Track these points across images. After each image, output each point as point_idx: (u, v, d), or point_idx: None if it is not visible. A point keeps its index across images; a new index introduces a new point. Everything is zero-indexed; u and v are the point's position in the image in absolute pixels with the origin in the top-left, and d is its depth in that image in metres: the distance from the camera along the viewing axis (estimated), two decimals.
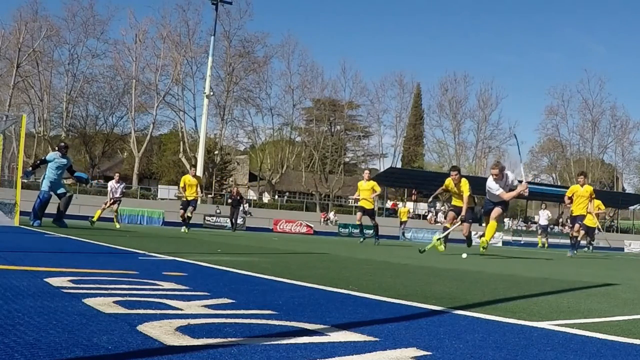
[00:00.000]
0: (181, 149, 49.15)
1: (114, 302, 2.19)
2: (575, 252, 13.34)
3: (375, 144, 62.86)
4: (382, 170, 52.93)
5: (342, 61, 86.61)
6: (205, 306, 2.23)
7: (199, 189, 15.96)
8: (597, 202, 15.68)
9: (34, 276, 2.95)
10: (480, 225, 10.32)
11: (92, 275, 3.19)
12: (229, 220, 26.58)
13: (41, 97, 47.57)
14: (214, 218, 33.73)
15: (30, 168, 13.07)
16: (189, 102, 51.04)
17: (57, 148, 13.15)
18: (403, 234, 30.45)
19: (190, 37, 50.19)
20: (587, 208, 13.02)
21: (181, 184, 15.92)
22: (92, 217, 16.61)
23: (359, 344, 1.66)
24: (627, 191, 62.00)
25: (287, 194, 58.78)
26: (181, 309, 2.12)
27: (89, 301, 2.18)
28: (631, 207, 56.44)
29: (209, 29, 48.54)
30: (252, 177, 61.39)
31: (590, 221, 14.80)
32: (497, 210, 9.56)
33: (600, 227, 17.99)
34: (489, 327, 2.12)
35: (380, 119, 59.02)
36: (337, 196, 56.42)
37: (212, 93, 45.87)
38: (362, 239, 14.38)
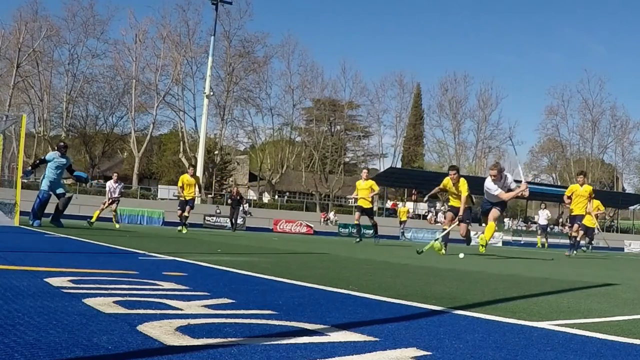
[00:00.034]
0: (181, 149, 49.16)
1: (114, 302, 2.19)
2: (574, 252, 13.34)
3: (375, 144, 62.98)
4: (382, 170, 52.94)
5: (342, 61, 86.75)
6: (205, 306, 2.23)
7: (197, 189, 15.98)
8: (597, 202, 15.68)
9: (34, 276, 2.95)
10: (480, 225, 10.30)
11: (92, 275, 3.19)
12: (229, 220, 26.58)
13: (41, 97, 47.58)
14: (214, 218, 33.73)
15: (30, 168, 13.07)
16: (189, 102, 51.14)
17: (56, 148, 13.15)
18: (403, 233, 30.45)
19: (190, 37, 50.27)
20: (586, 208, 13.01)
21: (179, 184, 15.94)
22: (91, 217, 16.62)
23: (359, 344, 1.66)
24: (627, 191, 62.00)
25: (287, 194, 58.78)
26: (181, 309, 2.12)
27: (89, 301, 2.18)
28: (631, 207, 56.46)
29: (209, 29, 48.64)
30: (252, 177, 61.39)
31: (589, 221, 14.79)
32: (494, 212, 9.54)
33: (599, 227, 17.98)
34: (489, 327, 2.12)
35: (380, 119, 59.15)
36: (337, 196, 56.42)
37: (212, 93, 45.88)
38: (358, 239, 14.33)
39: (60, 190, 12.36)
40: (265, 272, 3.99)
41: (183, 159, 47.88)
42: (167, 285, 2.90)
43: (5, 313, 1.85)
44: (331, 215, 42.34)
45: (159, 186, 47.41)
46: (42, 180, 12.50)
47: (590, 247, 17.87)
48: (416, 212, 47.54)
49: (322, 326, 1.90)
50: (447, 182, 10.15)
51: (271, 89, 55.21)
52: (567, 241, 14.49)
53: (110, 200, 17.28)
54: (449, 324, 2.12)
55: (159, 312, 2.03)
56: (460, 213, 9.90)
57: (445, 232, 10.11)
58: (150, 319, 1.87)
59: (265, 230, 31.38)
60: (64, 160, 12.49)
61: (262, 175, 56.83)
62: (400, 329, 1.94)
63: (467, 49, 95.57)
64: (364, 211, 13.92)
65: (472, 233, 11.27)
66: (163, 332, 1.66)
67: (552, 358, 1.62)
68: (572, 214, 13.14)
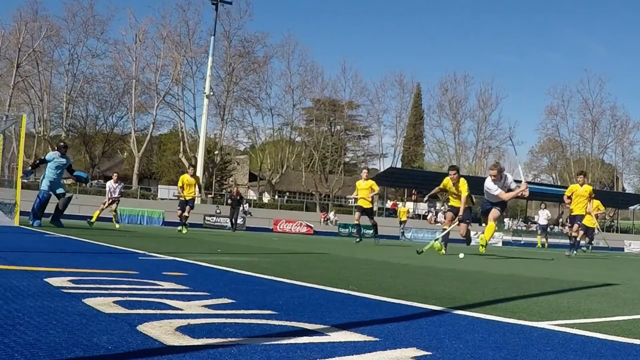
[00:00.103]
0: (181, 149, 49.16)
1: (114, 302, 2.19)
2: (574, 252, 13.34)
3: (375, 144, 62.97)
4: (382, 170, 52.93)
5: (342, 61, 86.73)
6: (205, 306, 2.23)
7: (197, 189, 15.98)
8: (597, 202, 15.66)
9: (34, 276, 2.95)
10: (480, 225, 10.29)
11: (92, 275, 3.19)
12: (228, 220, 26.58)
13: (41, 97, 47.58)
14: (214, 218, 33.73)
15: (30, 167, 13.07)
16: (189, 102, 51.14)
17: (56, 148, 13.15)
18: (402, 233, 30.45)
19: (190, 37, 50.27)
20: (586, 208, 13.00)
21: (179, 184, 15.96)
22: (91, 217, 16.62)
23: (359, 344, 1.66)
24: (627, 191, 61.99)
25: (287, 194, 58.78)
26: (181, 309, 2.12)
27: (89, 301, 2.18)
28: (631, 207, 56.45)
29: (209, 29, 48.64)
30: (252, 177, 61.39)
31: (589, 221, 14.78)
32: (494, 212, 9.53)
33: (599, 227, 17.97)
34: (489, 327, 2.12)
35: (380, 119, 59.14)
36: (337, 196, 56.43)
37: (212, 93, 45.87)
38: (358, 239, 14.31)
39: (60, 191, 12.36)
40: (265, 272, 4.00)
41: (183, 159, 47.88)
42: (167, 285, 2.90)
43: (5, 313, 1.85)
44: (331, 215, 42.34)
45: (159, 186, 47.41)
46: (42, 180, 12.50)
47: (590, 247, 17.87)
48: (416, 212, 47.53)
49: (322, 326, 1.90)
50: (447, 182, 10.14)
51: (271, 89, 55.30)
52: (567, 241, 14.49)
53: (110, 200, 17.28)
54: (449, 324, 2.12)
55: (159, 312, 2.03)
56: (460, 213, 9.89)
57: (445, 232, 10.11)
58: (150, 319, 1.87)
59: (265, 230, 31.38)
60: (63, 160, 12.49)
61: (262, 175, 56.83)
62: (400, 329, 1.94)
63: (467, 49, 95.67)
64: (364, 211, 13.91)
65: (472, 233, 11.27)
66: (163, 332, 1.66)
67: (552, 358, 1.62)
68: (572, 214, 13.14)
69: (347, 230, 34.41)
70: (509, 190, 9.43)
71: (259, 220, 34.82)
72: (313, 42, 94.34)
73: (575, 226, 13.09)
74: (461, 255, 8.86)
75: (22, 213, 12.23)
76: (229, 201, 27.24)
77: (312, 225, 36.22)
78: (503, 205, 9.71)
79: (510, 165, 50.38)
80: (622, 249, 36.83)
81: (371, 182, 13.92)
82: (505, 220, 46.14)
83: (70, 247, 6.41)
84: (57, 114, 50.83)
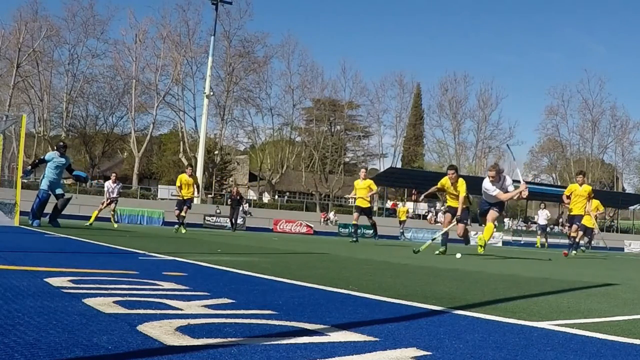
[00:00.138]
0: (181, 149, 49.16)
1: (114, 302, 2.19)
2: (574, 252, 13.34)
3: (375, 144, 62.96)
4: (382, 170, 52.93)
5: (342, 61, 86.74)
6: (205, 306, 2.23)
7: (195, 189, 16.00)
8: (596, 202, 15.65)
9: (34, 276, 2.95)
10: (480, 225, 10.28)
11: (92, 275, 3.19)
12: (228, 220, 26.59)
13: (41, 97, 47.58)
14: (214, 218, 33.73)
15: (30, 167, 13.07)
16: (189, 102, 51.15)
17: (55, 147, 13.16)
18: (402, 233, 30.44)
19: (190, 37, 50.28)
20: (585, 208, 12.99)
21: (177, 183, 15.96)
22: (89, 218, 16.65)
23: (359, 344, 1.66)
24: (627, 191, 61.99)
25: (287, 194, 58.78)
26: (181, 309, 2.12)
27: (89, 301, 2.18)
28: (631, 207, 56.45)
29: (209, 29, 48.63)
30: (252, 177, 61.39)
31: (589, 221, 14.77)
32: (493, 213, 9.51)
33: (598, 228, 17.97)
34: (489, 327, 2.12)
35: (380, 119, 59.14)
36: (337, 196, 56.43)
37: (212, 93, 45.87)
38: (355, 239, 14.28)
39: (59, 191, 12.37)
40: (265, 272, 3.99)
41: (183, 159, 47.87)
42: (167, 285, 2.90)
43: (5, 313, 1.85)
44: (331, 215, 42.34)
45: (159, 186, 47.39)
46: (41, 180, 12.53)
47: (589, 247, 17.87)
48: (416, 212, 47.53)
49: (322, 326, 1.90)
50: (446, 181, 10.13)
51: (271, 89, 55.28)
52: (567, 241, 14.47)
53: (109, 200, 17.29)
54: (449, 324, 2.12)
55: (159, 312, 2.03)
56: (458, 213, 9.90)
57: (443, 231, 10.12)
58: (150, 319, 1.87)
59: (265, 230, 31.39)
60: (63, 160, 12.50)
61: (262, 175, 56.83)
62: (400, 329, 1.94)
63: (467, 49, 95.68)
64: (362, 211, 13.85)
65: (472, 233, 11.27)
66: (163, 332, 1.66)
67: (552, 358, 1.62)
68: (571, 213, 13.13)
69: (347, 230, 34.39)
70: (507, 192, 9.40)
71: (259, 220, 34.82)
72: (313, 42, 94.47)
73: (574, 227, 13.08)
74: (458, 256, 8.86)
75: (22, 213, 12.23)
76: (229, 201, 27.24)
77: (312, 225, 36.22)
78: (501, 205, 9.69)
79: (510, 166, 50.33)
80: (622, 249, 36.83)
81: (369, 182, 13.86)
82: (505, 220, 46.11)
83: (70, 247, 6.41)
84: (57, 114, 50.85)
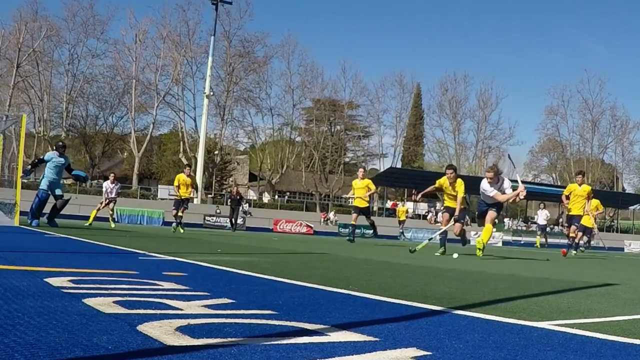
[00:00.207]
0: (181, 149, 49.16)
1: (114, 302, 2.19)
2: (574, 252, 13.33)
3: (375, 144, 62.94)
4: (382, 170, 52.92)
5: (342, 61, 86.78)
6: (205, 306, 2.23)
7: (193, 189, 16.04)
8: (596, 202, 15.64)
9: (34, 276, 2.95)
10: (480, 226, 10.28)
11: (92, 275, 3.19)
12: (228, 220, 26.59)
13: (41, 97, 47.58)
14: (214, 218, 33.72)
15: (30, 167, 13.07)
16: (189, 102, 51.13)
17: (54, 147, 13.16)
18: (402, 233, 30.44)
19: (190, 37, 50.26)
20: (584, 208, 12.98)
21: (175, 183, 16.00)
22: (89, 218, 16.66)
23: (359, 344, 1.66)
24: (627, 191, 61.97)
25: (287, 194, 58.77)
26: (181, 309, 2.12)
27: (89, 301, 2.18)
28: (631, 207, 56.46)
29: (209, 29, 48.60)
30: (252, 177, 61.38)
31: (588, 221, 14.76)
32: (491, 214, 9.50)
33: (597, 228, 17.97)
34: (489, 327, 2.12)
35: (380, 119, 59.13)
36: (337, 196, 56.44)
37: (212, 93, 45.86)
38: (351, 239, 14.26)
39: (58, 192, 12.38)
40: (265, 272, 4.00)
41: (183, 159, 47.85)
42: (167, 285, 2.90)
43: (5, 313, 1.85)
44: (331, 215, 42.34)
45: (159, 186, 47.36)
46: (41, 180, 12.54)
47: (588, 247, 17.88)
48: (416, 212, 47.51)
49: (322, 326, 1.90)
50: (444, 181, 10.12)
51: (271, 89, 55.27)
52: (566, 241, 14.45)
53: (107, 200, 17.30)
54: (449, 324, 2.12)
55: (159, 312, 2.03)
56: (456, 214, 9.91)
57: (441, 230, 10.13)
58: (150, 319, 1.87)
59: (265, 230, 31.39)
60: (62, 160, 12.51)
61: (262, 175, 56.83)
62: (400, 329, 1.94)
63: (467, 49, 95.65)
64: (361, 211, 13.81)
65: (472, 233, 11.27)
66: (163, 332, 1.66)
67: (552, 358, 1.62)
68: (570, 213, 13.12)
69: (347, 230, 34.30)
70: (504, 194, 9.40)
71: (259, 220, 34.82)
72: (313, 42, 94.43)
73: (573, 227, 13.07)
74: (455, 256, 8.86)
75: (22, 213, 12.23)
76: (229, 201, 27.24)
77: (312, 225, 36.22)
78: (499, 206, 9.68)
79: (510, 173, 50.35)
80: (622, 249, 36.83)
81: (367, 181, 13.82)
82: (505, 220, 46.16)
83: (70, 247, 6.41)
84: (57, 114, 50.84)
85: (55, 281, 2.74)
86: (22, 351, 1.35)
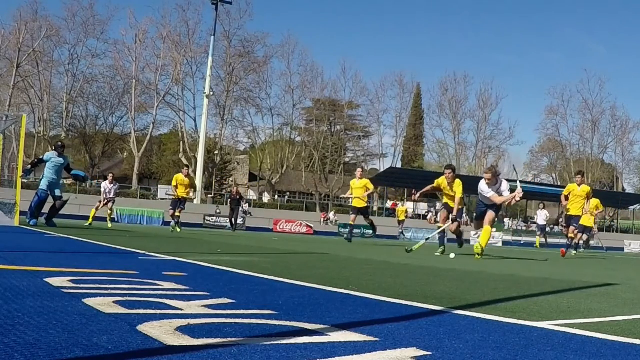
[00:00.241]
0: (181, 149, 49.15)
1: (114, 302, 2.19)
2: (574, 252, 13.33)
3: (375, 144, 62.91)
4: (382, 170, 52.91)
5: (342, 61, 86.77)
6: (205, 306, 2.23)
7: (191, 189, 16.07)
8: (596, 201, 15.64)
9: (34, 276, 2.95)
10: (477, 228, 10.31)
11: (92, 275, 3.19)
12: (228, 220, 26.58)
13: (41, 97, 47.59)
14: (214, 218, 33.72)
15: (29, 166, 13.08)
16: (189, 102, 51.12)
17: (54, 147, 13.16)
18: (402, 233, 30.45)
19: (190, 37, 50.25)
20: (583, 208, 12.98)
21: (173, 183, 16.04)
22: (88, 218, 16.66)
23: (359, 344, 1.66)
24: (627, 191, 61.96)
25: (287, 194, 58.76)
26: (181, 309, 2.12)
27: (89, 301, 2.18)
28: (631, 207, 56.44)
29: (209, 29, 48.59)
30: (252, 177, 61.38)
31: (587, 221, 14.76)
32: (490, 215, 9.50)
33: (596, 228, 17.98)
34: (489, 327, 2.12)
35: (380, 119, 59.11)
36: (337, 196, 56.45)
37: (212, 93, 45.85)
38: (349, 238, 14.25)
39: (58, 193, 12.39)
40: (265, 272, 4.00)
41: (183, 159, 47.84)
42: (167, 285, 2.90)
43: (5, 313, 1.85)
44: (331, 215, 42.34)
45: (159, 186, 47.33)
46: (41, 180, 12.55)
47: (588, 247, 17.89)
48: (416, 212, 47.48)
49: (322, 326, 1.90)
50: (442, 181, 10.14)
51: (271, 89, 55.26)
52: (566, 241, 14.46)
53: (106, 200, 17.30)
54: (449, 324, 2.12)
55: (159, 312, 2.03)
56: (454, 214, 9.94)
57: (440, 229, 10.15)
58: (150, 319, 1.87)
59: (265, 230, 31.39)
60: (61, 160, 12.52)
61: (262, 175, 56.82)
62: (400, 329, 1.94)
63: (467, 49, 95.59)
64: (359, 211, 13.80)
65: (472, 233, 11.27)
66: (163, 332, 1.66)
67: (552, 358, 1.62)
68: (569, 213, 13.12)
69: (347, 230, 34.40)
70: (502, 196, 9.40)
71: (259, 220, 34.81)
72: (313, 42, 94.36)
73: (572, 228, 13.07)
74: (452, 256, 8.87)
75: (22, 213, 12.24)
76: (229, 201, 27.24)
77: (312, 225, 36.22)
78: (498, 207, 9.69)
79: (511, 164, 50.33)
80: (622, 249, 36.82)
81: (366, 181, 13.81)
82: (505, 220, 46.15)
83: (70, 247, 6.41)
84: (57, 114, 50.86)
85: (55, 281, 2.74)
86: (22, 351, 1.35)
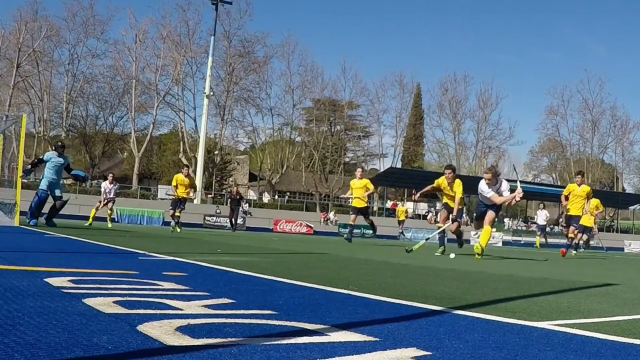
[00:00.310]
0: (181, 149, 49.15)
1: (114, 302, 2.19)
2: (574, 252, 13.32)
3: (375, 144, 62.90)
4: (382, 170, 52.91)
5: (342, 61, 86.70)
6: (205, 306, 2.23)
7: (191, 189, 16.08)
8: (596, 201, 15.64)
9: (34, 276, 2.95)
10: (477, 228, 10.31)
11: (92, 275, 3.19)
12: (228, 220, 26.58)
13: (41, 97, 47.59)
14: (214, 218, 33.71)
15: (29, 166, 13.08)
16: (189, 102, 51.13)
17: (53, 147, 13.16)
18: (402, 233, 30.44)
19: (190, 37, 50.26)
20: (583, 208, 12.98)
21: (173, 183, 16.05)
22: (88, 218, 16.67)
23: (359, 344, 1.66)
24: (627, 191, 61.96)
25: (287, 194, 58.76)
26: (181, 309, 2.12)
27: (89, 301, 2.18)
28: (631, 207, 56.43)
29: (209, 29, 48.60)
30: (252, 177, 61.37)
31: (587, 220, 14.76)
32: (490, 214, 9.50)
33: (596, 228, 17.98)
34: (489, 327, 2.12)
35: (380, 119, 59.11)
36: (337, 196, 56.45)
37: (212, 93, 45.85)
38: (349, 238, 14.24)
39: (58, 193, 12.39)
40: (265, 272, 4.00)
41: (183, 159, 47.84)
42: (167, 285, 2.90)
43: (5, 313, 1.85)
44: (331, 215, 42.34)
45: (159, 186, 47.32)
46: (41, 180, 12.55)
47: (588, 247, 17.89)
48: (416, 212, 47.47)
49: (322, 326, 1.90)
50: (442, 181, 10.14)
51: (271, 89, 55.26)
52: (566, 241, 14.46)
53: (106, 200, 17.30)
54: (449, 324, 2.12)
55: (159, 312, 2.03)
56: (454, 214, 9.95)
57: (440, 229, 10.15)
58: (150, 319, 1.87)
59: (265, 230, 31.39)
60: (61, 160, 12.52)
61: (262, 175, 56.82)
62: (400, 329, 1.94)
63: (467, 49, 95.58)
64: (359, 211, 13.80)
65: (472, 233, 11.27)
66: (163, 332, 1.66)
67: (552, 358, 1.62)
68: (568, 213, 13.12)
69: (347, 230, 34.40)
70: (502, 196, 9.41)
71: (259, 220, 34.81)
72: (313, 42, 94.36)
73: (571, 228, 13.07)
74: (452, 256, 8.87)
75: (22, 213, 12.24)
76: (229, 201, 27.23)
77: (312, 225, 36.22)
78: (498, 207, 9.70)
79: (511, 164, 50.32)
80: (622, 249, 36.81)
81: (365, 181, 13.81)
82: (505, 220, 46.15)
83: (70, 247, 6.41)
84: (57, 114, 50.85)
85: (55, 281, 2.74)
86: (22, 351, 1.35)
